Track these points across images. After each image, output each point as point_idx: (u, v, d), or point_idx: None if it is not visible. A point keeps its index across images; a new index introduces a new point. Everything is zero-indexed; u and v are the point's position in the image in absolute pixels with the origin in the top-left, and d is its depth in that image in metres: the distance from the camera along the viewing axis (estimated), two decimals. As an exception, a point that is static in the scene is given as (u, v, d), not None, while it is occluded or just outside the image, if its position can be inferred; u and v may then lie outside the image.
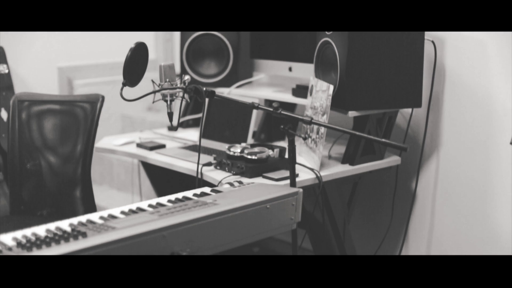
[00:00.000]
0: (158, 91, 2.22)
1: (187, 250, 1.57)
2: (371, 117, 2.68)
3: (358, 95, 2.58)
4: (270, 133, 3.13)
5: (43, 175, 2.70)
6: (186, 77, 2.24)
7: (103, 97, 2.73)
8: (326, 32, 2.67)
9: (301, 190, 1.87)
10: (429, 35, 2.77)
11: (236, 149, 2.61)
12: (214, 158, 2.64)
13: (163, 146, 3.01)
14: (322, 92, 2.61)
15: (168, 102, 2.22)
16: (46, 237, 1.50)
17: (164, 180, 3.40)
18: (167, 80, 2.20)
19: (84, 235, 1.50)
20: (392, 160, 2.82)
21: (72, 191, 2.69)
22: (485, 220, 2.81)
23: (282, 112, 2.15)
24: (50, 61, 4.17)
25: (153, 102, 2.32)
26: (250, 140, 2.97)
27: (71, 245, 1.42)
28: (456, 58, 2.83)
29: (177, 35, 4.18)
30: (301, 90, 2.96)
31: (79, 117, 2.71)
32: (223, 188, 1.96)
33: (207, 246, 1.64)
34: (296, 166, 2.26)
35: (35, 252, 1.42)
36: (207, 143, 3.05)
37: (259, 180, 2.49)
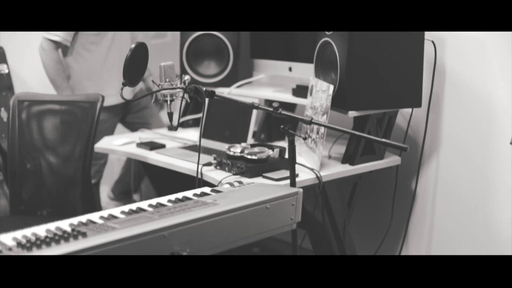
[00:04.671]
0: (158, 91, 2.21)
1: (187, 250, 1.57)
2: (371, 117, 2.68)
3: (358, 95, 2.58)
4: (270, 133, 3.13)
5: (43, 175, 2.70)
6: (186, 77, 2.24)
7: (103, 97, 2.73)
8: (326, 32, 2.67)
9: (301, 190, 1.87)
10: (429, 35, 2.77)
11: (236, 149, 2.61)
12: (214, 158, 2.64)
13: (163, 146, 3.01)
14: (322, 92, 2.61)
15: (168, 102, 2.22)
16: (46, 237, 1.50)
17: (164, 180, 3.40)
18: (167, 80, 2.20)
19: (84, 235, 1.50)
20: (392, 160, 2.83)
21: (72, 191, 2.69)
22: (485, 220, 2.81)
23: (282, 112, 2.15)
24: (50, 61, 4.17)
25: (153, 102, 2.32)
26: (250, 140, 2.97)
27: (71, 245, 1.42)
28: (456, 58, 2.83)
29: (177, 35, 4.18)
30: (301, 90, 2.96)
31: (79, 117, 2.71)
32: (223, 188, 1.96)
33: (207, 246, 1.64)
34: (296, 166, 2.25)
35: (35, 252, 1.42)
36: (207, 143, 3.05)
37: (259, 180, 2.49)
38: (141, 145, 3.03)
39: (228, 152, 2.61)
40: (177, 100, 2.23)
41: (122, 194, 4.01)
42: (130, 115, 3.65)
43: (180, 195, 1.89)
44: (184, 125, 3.39)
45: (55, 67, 3.31)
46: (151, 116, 3.73)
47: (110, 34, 3.38)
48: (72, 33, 3.29)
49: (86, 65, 3.39)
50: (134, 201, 3.99)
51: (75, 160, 2.69)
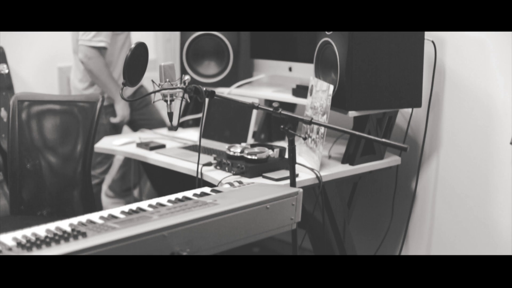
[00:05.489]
0: (158, 91, 2.21)
1: (187, 250, 1.57)
2: (371, 117, 2.68)
3: (358, 95, 2.58)
4: (270, 133, 3.13)
5: (43, 175, 2.70)
6: (186, 77, 2.24)
7: (103, 97, 2.73)
8: (326, 32, 2.67)
9: (301, 190, 1.87)
10: (429, 35, 2.77)
11: (236, 149, 2.61)
12: (214, 158, 2.64)
13: (163, 146, 3.01)
14: (322, 92, 2.61)
15: (168, 102, 2.22)
16: (46, 237, 1.50)
17: (164, 180, 3.40)
18: (167, 80, 2.20)
19: (84, 235, 1.50)
20: (392, 160, 2.82)
21: (72, 191, 2.69)
22: (485, 220, 2.81)
23: (282, 112, 2.15)
24: (50, 61, 4.17)
25: (153, 102, 2.32)
26: (250, 140, 2.97)
27: (71, 245, 1.42)
28: (456, 58, 2.83)
29: (177, 35, 4.18)
30: (301, 90, 2.96)
31: (79, 117, 2.71)
32: (223, 188, 1.96)
33: (207, 246, 1.64)
34: (296, 166, 2.26)
35: (35, 252, 1.42)
36: (207, 143, 3.05)
37: (259, 180, 2.49)
38: (141, 145, 3.03)
39: (228, 152, 2.61)
40: (177, 100, 2.23)
41: (124, 192, 4.02)
42: (134, 111, 3.67)
43: (180, 195, 1.89)
44: (184, 125, 3.39)
45: (106, 71, 3.36)
46: (155, 112, 3.76)
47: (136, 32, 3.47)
48: (110, 33, 3.32)
49: (118, 64, 3.48)
50: (135, 199, 3.99)
51: (75, 160, 2.69)
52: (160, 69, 2.20)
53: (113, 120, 3.48)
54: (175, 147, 3.00)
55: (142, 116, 3.68)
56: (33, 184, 2.71)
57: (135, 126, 3.69)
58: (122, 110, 3.46)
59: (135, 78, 2.20)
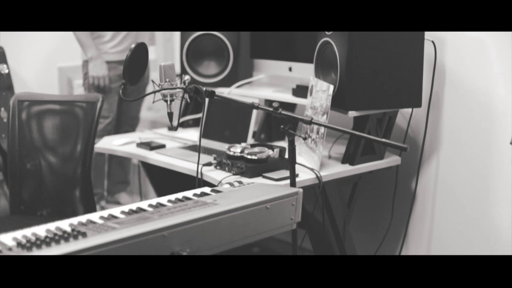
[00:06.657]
0: (158, 91, 2.22)
1: (187, 250, 1.57)
2: (371, 117, 2.68)
3: (358, 95, 2.58)
4: (270, 133, 3.13)
5: (43, 175, 2.70)
6: (186, 77, 2.24)
7: (103, 97, 2.73)
8: (326, 32, 2.67)
9: (301, 190, 1.87)
10: (429, 35, 2.77)
11: (236, 149, 2.61)
12: (214, 158, 2.64)
13: (163, 146, 3.01)
14: (322, 92, 2.61)
15: (168, 102, 2.22)
16: (46, 237, 1.50)
17: (164, 180, 3.40)
18: (167, 80, 2.20)
19: (84, 235, 1.50)
20: (392, 160, 2.82)
21: (72, 191, 2.69)
22: (485, 220, 2.81)
23: (282, 112, 2.15)
24: (50, 61, 4.18)
25: (153, 102, 2.32)
26: (250, 140, 2.97)
27: (71, 245, 1.42)
28: (456, 58, 2.83)
29: (177, 35, 4.18)
30: (301, 90, 2.96)
31: (79, 117, 2.71)
32: (223, 188, 1.96)
33: (207, 246, 1.64)
34: (296, 166, 2.25)
35: (35, 252, 1.42)
36: (207, 143, 3.05)
37: (259, 180, 2.49)
38: (141, 145, 3.03)
39: (228, 152, 2.61)
40: (177, 100, 2.23)
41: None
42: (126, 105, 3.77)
43: (180, 195, 1.89)
44: (184, 125, 3.39)
45: None
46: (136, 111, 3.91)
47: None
48: None
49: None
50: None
51: (75, 160, 2.69)
52: (160, 69, 2.20)
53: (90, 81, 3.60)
54: (175, 147, 3.00)
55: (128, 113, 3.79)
56: (33, 184, 2.70)
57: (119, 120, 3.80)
58: (92, 70, 3.52)
59: (135, 78, 2.20)
